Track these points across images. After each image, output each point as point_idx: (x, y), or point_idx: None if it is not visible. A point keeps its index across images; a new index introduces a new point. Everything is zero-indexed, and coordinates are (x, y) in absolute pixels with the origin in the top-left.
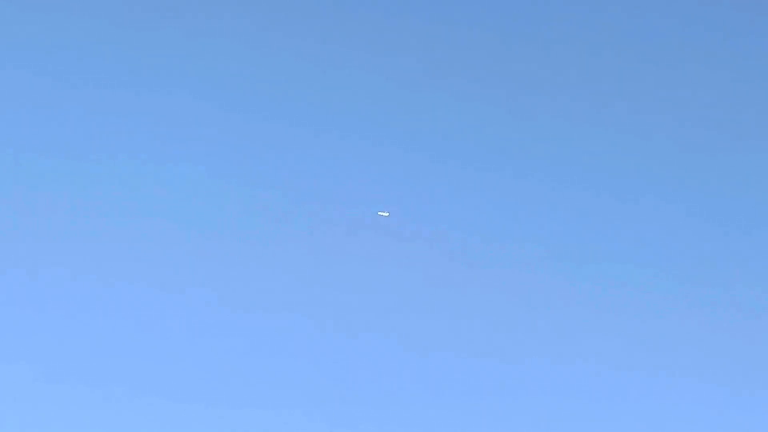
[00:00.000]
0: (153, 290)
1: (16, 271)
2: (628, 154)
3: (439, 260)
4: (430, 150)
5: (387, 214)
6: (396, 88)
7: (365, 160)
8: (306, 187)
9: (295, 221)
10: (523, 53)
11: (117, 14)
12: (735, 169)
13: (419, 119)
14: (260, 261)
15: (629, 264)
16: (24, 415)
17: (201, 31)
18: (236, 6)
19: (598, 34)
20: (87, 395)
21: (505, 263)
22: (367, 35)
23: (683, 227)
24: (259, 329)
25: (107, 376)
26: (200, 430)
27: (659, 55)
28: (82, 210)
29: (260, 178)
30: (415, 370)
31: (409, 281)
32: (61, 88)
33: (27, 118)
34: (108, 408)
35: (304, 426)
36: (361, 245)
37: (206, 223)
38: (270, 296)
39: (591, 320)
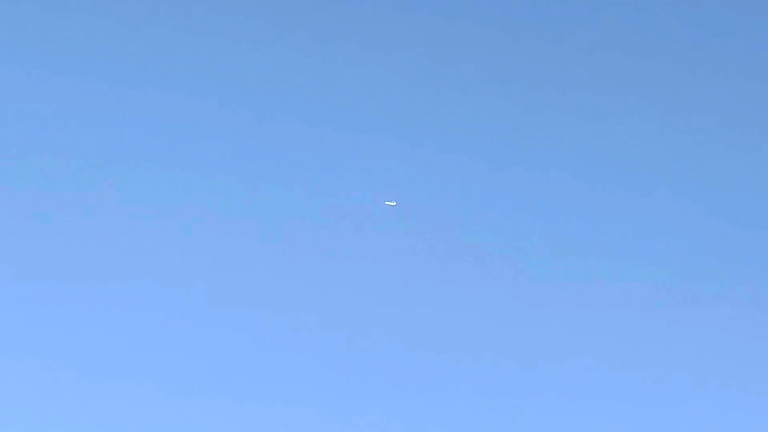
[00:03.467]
0: (157, 288)
1: (20, 270)
2: (635, 150)
3: (445, 256)
4: (437, 146)
5: (394, 203)
6: (401, 85)
7: (372, 156)
8: (312, 183)
9: (301, 217)
10: (532, 50)
11: (122, 16)
12: (742, 166)
13: (425, 116)
14: (266, 258)
15: (634, 260)
16: (31, 411)
17: (205, 31)
18: (242, 5)
19: (606, 30)
20: (93, 391)
21: (511, 259)
22: (376, 32)
23: (690, 224)
24: (265, 326)
25: (116, 373)
26: (209, 426)
27: (667, 53)
28: (88, 210)
29: (267, 174)
30: (419, 366)
31: (414, 277)
32: (67, 90)
33: (32, 120)
34: (116, 405)
35: (310, 422)
36: (367, 241)
37: (213, 219)
38: (276, 293)
39: (596, 316)
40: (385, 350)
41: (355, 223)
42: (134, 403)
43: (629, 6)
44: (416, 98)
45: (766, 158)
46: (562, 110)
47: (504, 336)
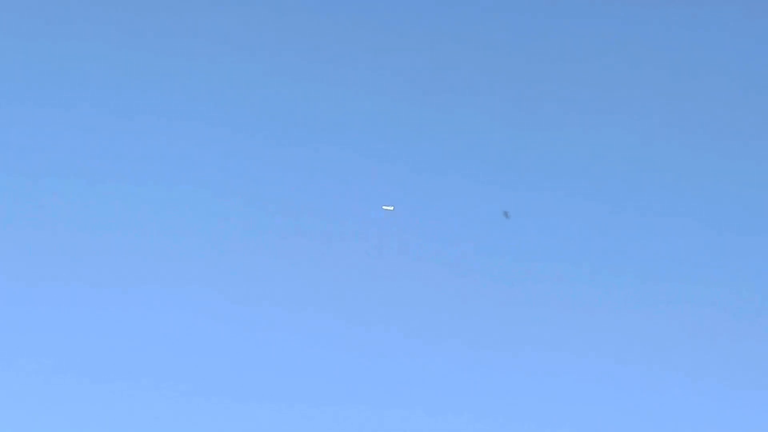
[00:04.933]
0: (164, 291)
1: (28, 279)
2: (630, 159)
3: (439, 264)
4: (432, 155)
5: (392, 208)
6: (398, 94)
7: (368, 165)
8: (309, 191)
9: (297, 226)
10: (528, 62)
11: (122, 28)
12: (738, 173)
13: (422, 124)
14: (267, 262)
15: (627, 267)
16: (32, 412)
17: (204, 38)
18: (240, 13)
19: (601, 40)
20: (94, 392)
21: (503, 266)
22: (373, 40)
23: (684, 232)
24: (264, 327)
25: (120, 374)
26: (212, 426)
27: (662, 60)
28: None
29: (266, 182)
30: (417, 368)
31: (412, 282)
32: (67, 104)
33: (32, 136)
34: (119, 406)
35: (313, 419)
36: (363, 248)
37: (212, 225)
38: (275, 297)
39: (589, 320)
40: (380, 349)
41: (351, 228)
42: (138, 403)
43: (626, 15)
44: (414, 103)
45: (761, 165)
46: (557, 121)
47: (497, 335)
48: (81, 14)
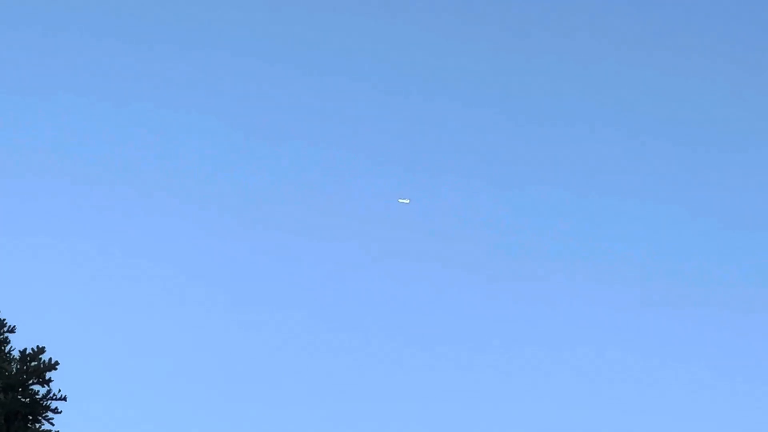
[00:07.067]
0: (176, 290)
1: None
2: (639, 158)
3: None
4: (441, 143)
5: (408, 201)
6: (407, 81)
7: (383, 155)
8: (325, 181)
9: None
10: (530, 55)
11: None
12: (737, 166)
13: (433, 114)
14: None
15: (624, 258)
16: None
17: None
18: None
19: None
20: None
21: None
22: (384, 30)
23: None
24: (269, 321)
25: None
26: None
27: (660, 52)
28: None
29: (281, 182)
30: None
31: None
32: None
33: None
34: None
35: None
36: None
37: (218, 212)
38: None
39: (593, 309)
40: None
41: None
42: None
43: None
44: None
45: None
46: (561, 111)
47: (500, 336)
48: None
